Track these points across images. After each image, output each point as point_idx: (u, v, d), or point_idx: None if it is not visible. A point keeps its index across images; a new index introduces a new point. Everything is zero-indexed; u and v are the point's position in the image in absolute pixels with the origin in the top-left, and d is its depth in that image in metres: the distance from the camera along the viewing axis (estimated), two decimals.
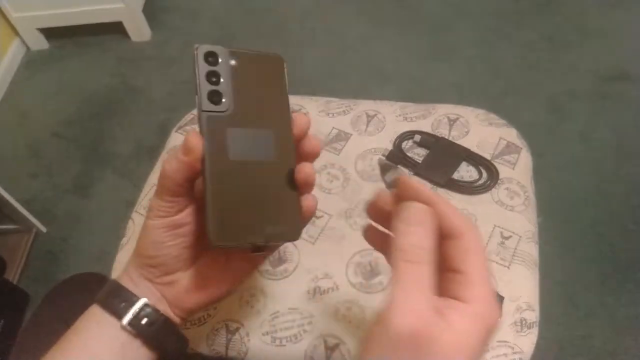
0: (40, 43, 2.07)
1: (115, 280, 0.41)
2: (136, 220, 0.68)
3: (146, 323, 0.39)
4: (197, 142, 0.34)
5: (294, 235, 0.37)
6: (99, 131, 1.78)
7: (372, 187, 0.66)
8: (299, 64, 1.88)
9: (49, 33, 2.06)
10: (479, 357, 0.29)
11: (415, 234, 0.31)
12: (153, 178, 0.72)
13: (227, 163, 0.34)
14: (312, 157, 0.38)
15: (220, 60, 0.35)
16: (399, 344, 0.28)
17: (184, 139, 0.35)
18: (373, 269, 0.59)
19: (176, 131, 0.77)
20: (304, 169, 0.37)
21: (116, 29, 2.01)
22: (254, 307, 0.58)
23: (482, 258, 0.32)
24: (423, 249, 0.31)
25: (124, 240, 0.67)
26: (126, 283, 0.41)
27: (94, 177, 1.65)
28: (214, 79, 0.34)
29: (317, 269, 0.60)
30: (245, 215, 0.35)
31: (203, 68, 0.34)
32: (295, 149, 0.37)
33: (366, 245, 0.61)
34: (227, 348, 0.57)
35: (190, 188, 0.37)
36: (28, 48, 2.09)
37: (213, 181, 0.34)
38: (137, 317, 0.39)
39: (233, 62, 0.35)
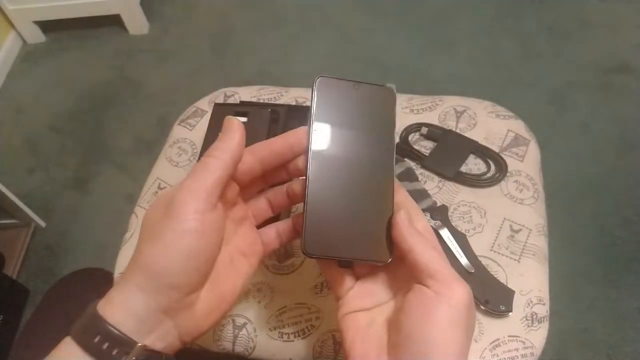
0: (36, 36, 2.05)
1: (104, 323, 0.34)
2: (139, 215, 0.67)
3: None
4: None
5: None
6: (97, 125, 1.76)
7: None
8: (299, 56, 1.86)
9: (46, 26, 2.04)
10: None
11: None
12: (155, 172, 0.71)
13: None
14: None
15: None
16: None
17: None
18: None
19: (178, 124, 0.76)
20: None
21: (114, 21, 2.00)
22: (261, 302, 0.57)
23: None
24: None
25: (127, 235, 0.66)
26: (125, 319, 0.34)
27: (93, 171, 1.64)
28: None
29: None
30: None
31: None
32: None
33: None
34: (234, 344, 0.56)
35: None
36: (24, 41, 2.06)
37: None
38: None
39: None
